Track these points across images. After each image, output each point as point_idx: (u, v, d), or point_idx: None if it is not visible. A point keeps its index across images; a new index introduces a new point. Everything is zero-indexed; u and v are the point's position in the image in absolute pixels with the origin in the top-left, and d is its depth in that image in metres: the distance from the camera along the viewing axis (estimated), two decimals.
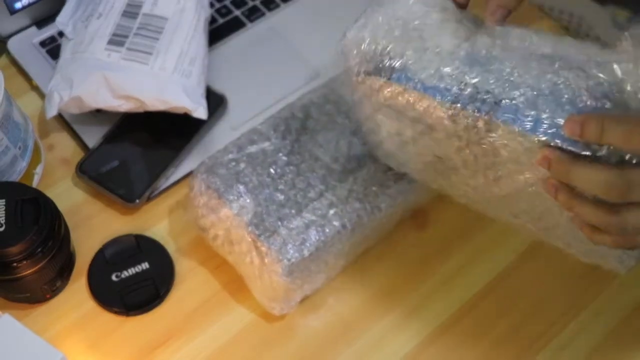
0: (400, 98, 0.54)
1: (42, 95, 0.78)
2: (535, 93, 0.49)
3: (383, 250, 0.70)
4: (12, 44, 0.82)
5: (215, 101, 0.76)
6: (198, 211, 0.65)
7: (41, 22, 0.83)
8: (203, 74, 0.75)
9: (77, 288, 0.68)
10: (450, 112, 0.52)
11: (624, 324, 0.67)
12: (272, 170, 0.65)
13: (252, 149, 0.67)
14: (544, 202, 0.52)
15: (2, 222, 0.61)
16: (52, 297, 0.67)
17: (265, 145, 0.67)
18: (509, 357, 0.66)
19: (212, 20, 0.83)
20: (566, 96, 0.49)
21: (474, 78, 0.52)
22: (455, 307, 0.68)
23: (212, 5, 0.85)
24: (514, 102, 0.50)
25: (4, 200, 0.62)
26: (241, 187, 0.64)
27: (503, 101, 0.50)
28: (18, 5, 0.81)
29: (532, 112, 0.49)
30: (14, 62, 0.82)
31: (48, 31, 0.83)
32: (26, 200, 0.62)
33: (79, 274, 0.68)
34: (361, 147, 0.67)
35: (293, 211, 0.63)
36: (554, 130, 0.48)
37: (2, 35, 0.82)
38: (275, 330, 0.66)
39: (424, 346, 0.66)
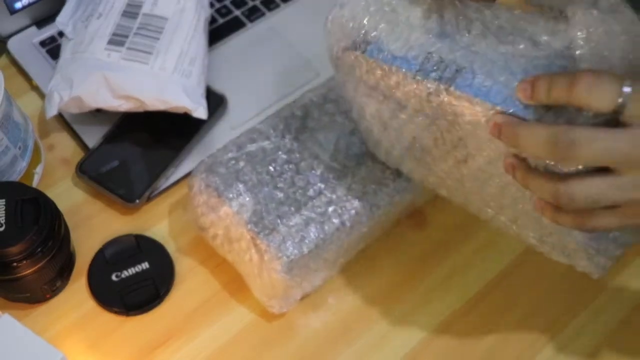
0: (372, 72, 0.56)
1: (42, 95, 0.78)
2: (492, 62, 0.51)
3: (382, 250, 0.70)
4: (12, 44, 0.82)
5: (215, 101, 0.76)
6: (197, 210, 0.65)
7: (41, 22, 0.83)
8: (203, 74, 0.75)
9: (77, 288, 0.68)
10: (415, 83, 0.54)
11: (624, 323, 0.67)
12: (271, 169, 0.66)
13: (252, 147, 0.67)
14: (510, 184, 0.54)
15: (2, 222, 0.61)
16: (52, 297, 0.67)
17: (265, 143, 0.67)
18: (509, 357, 0.66)
19: (212, 20, 0.84)
20: (520, 65, 0.50)
21: (439, 48, 0.53)
22: (455, 306, 0.68)
23: (212, 5, 0.85)
24: (472, 71, 0.51)
25: (4, 200, 0.62)
26: (240, 186, 0.64)
27: (463, 70, 0.52)
28: (18, 5, 0.81)
29: (489, 81, 0.51)
30: (14, 62, 0.82)
31: (48, 31, 0.83)
32: (26, 200, 0.62)
33: (79, 274, 0.68)
34: (360, 145, 0.67)
35: (292, 209, 0.63)
36: (506, 96, 0.50)
37: (2, 35, 0.82)
38: (275, 330, 0.66)
39: (423, 346, 0.66)
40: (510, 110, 0.49)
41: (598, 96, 0.46)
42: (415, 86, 0.54)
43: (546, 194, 0.49)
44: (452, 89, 0.52)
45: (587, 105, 0.46)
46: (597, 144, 0.46)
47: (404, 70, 0.54)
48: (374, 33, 0.56)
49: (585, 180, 0.47)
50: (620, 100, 0.45)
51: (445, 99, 0.52)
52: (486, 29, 0.53)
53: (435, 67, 0.53)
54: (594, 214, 0.49)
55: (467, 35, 0.54)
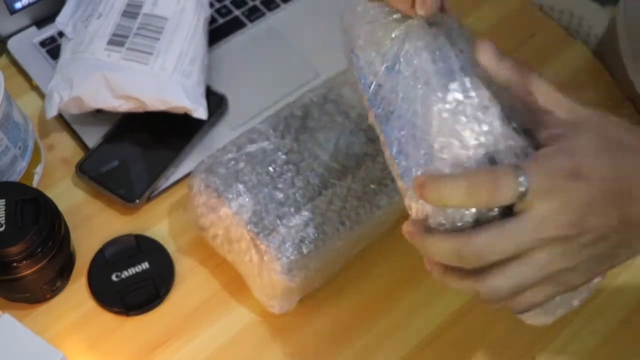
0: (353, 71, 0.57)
1: (42, 95, 0.78)
2: (413, 127, 0.50)
3: (382, 250, 0.70)
4: (12, 44, 0.82)
5: (215, 101, 0.76)
6: (197, 210, 0.65)
7: (41, 22, 0.83)
8: (203, 74, 0.75)
9: (77, 288, 0.68)
10: (366, 104, 0.54)
11: (624, 323, 0.67)
12: (271, 169, 0.66)
13: (252, 148, 0.67)
14: None
15: (2, 222, 0.61)
16: (52, 297, 0.67)
17: (265, 144, 0.67)
18: (509, 357, 0.66)
19: (212, 20, 0.84)
20: (418, 137, 0.49)
21: (385, 83, 0.52)
22: (455, 306, 0.68)
23: (212, 5, 0.85)
24: (396, 124, 0.51)
25: (4, 200, 0.62)
26: (240, 186, 0.64)
27: (391, 117, 0.51)
28: (18, 5, 0.81)
29: (397, 144, 0.51)
30: (14, 62, 0.82)
31: (48, 31, 0.83)
32: (26, 200, 0.62)
33: (79, 274, 0.68)
34: (360, 145, 0.67)
35: (292, 209, 0.63)
36: (403, 171, 0.50)
37: (2, 35, 0.82)
38: (275, 330, 0.66)
39: (423, 346, 0.66)
40: (408, 188, 0.49)
41: (502, 195, 0.44)
42: (367, 106, 0.54)
43: (469, 292, 0.48)
44: (382, 130, 0.52)
45: (492, 205, 0.45)
46: (501, 245, 0.45)
47: (361, 89, 0.55)
48: (356, 43, 0.55)
49: (500, 272, 0.45)
50: (522, 189, 0.44)
51: (379, 137, 0.53)
52: (424, 84, 0.50)
53: (375, 102, 0.53)
54: (520, 297, 0.47)
55: (405, 80, 0.51)
